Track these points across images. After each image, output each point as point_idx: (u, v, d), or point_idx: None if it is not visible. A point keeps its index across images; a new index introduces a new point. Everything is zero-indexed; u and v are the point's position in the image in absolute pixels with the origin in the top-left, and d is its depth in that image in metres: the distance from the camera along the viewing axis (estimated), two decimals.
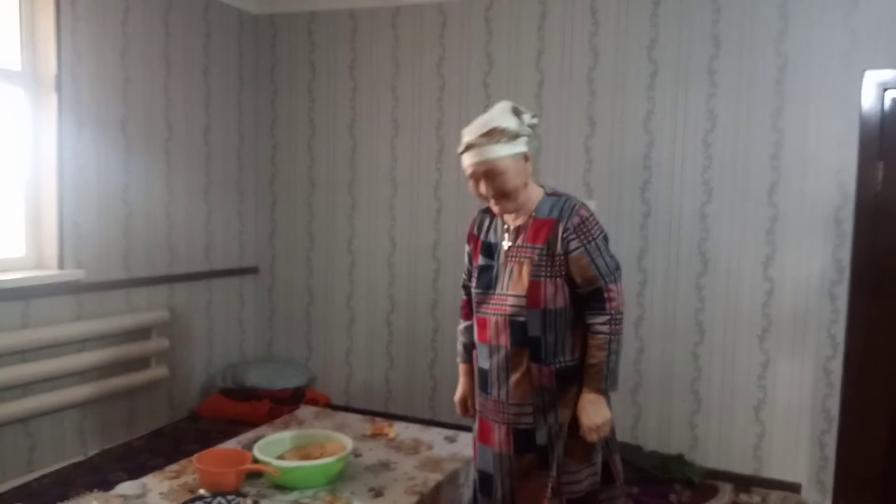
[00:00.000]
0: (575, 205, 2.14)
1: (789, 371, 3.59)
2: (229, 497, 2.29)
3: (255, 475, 2.51)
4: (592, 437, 2.08)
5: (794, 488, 3.58)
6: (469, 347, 2.41)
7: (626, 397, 3.91)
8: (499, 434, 2.20)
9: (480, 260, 2.26)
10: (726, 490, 3.58)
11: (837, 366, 3.49)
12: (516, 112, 2.12)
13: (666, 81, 3.74)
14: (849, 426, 3.47)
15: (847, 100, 3.40)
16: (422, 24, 4.28)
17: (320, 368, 4.74)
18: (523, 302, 2.11)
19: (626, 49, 3.81)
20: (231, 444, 2.88)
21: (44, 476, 3.48)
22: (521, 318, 2.12)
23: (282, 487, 2.45)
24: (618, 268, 2.14)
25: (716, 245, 3.70)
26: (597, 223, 2.14)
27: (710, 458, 3.75)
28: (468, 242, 2.35)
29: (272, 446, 2.62)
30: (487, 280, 2.21)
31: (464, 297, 2.43)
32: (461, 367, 2.46)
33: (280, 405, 4.23)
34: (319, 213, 4.70)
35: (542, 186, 2.23)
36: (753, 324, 3.65)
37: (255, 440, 2.75)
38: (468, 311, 2.39)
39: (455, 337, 2.50)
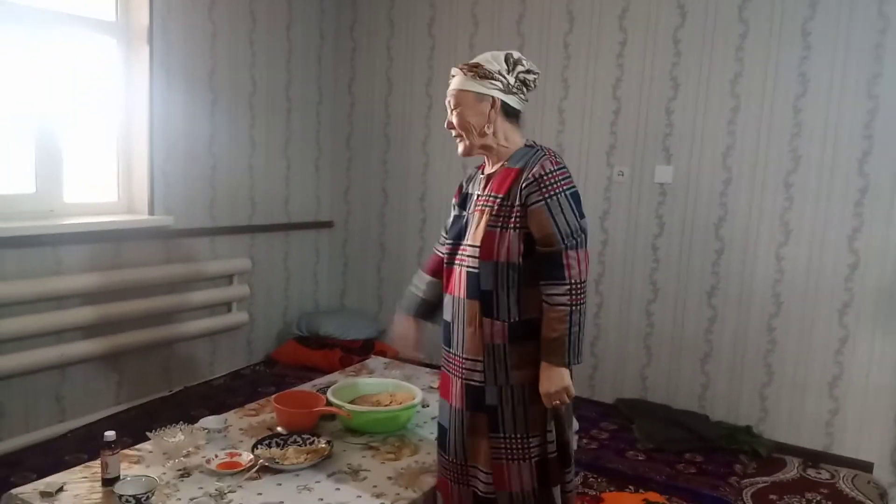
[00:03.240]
0: (543, 155, 2.02)
1: (869, 348, 3.47)
2: (304, 436, 2.41)
3: (328, 418, 2.62)
4: (548, 403, 1.97)
5: (865, 467, 3.49)
6: (418, 301, 2.30)
7: (696, 366, 3.87)
8: (455, 388, 2.11)
9: (455, 210, 2.20)
10: (794, 464, 3.52)
11: None
12: (513, 62, 2.03)
13: (757, 42, 3.59)
14: None
15: None
16: None
17: (389, 321, 4.83)
18: (477, 253, 2.01)
19: (716, 7, 3.67)
20: (305, 388, 2.99)
21: (131, 408, 3.70)
22: (476, 270, 2.02)
23: (353, 431, 2.55)
24: (582, 231, 1.96)
25: (800, 215, 3.57)
26: (565, 176, 1.98)
27: (779, 431, 3.69)
28: (455, 196, 2.26)
29: (344, 392, 2.71)
30: (458, 230, 2.13)
31: (434, 252, 2.34)
32: (398, 317, 2.34)
33: (350, 354, 4.37)
34: (394, 170, 4.75)
35: (526, 140, 2.12)
36: (834, 298, 3.53)
37: (329, 385, 2.86)
38: (431, 264, 2.31)
39: None
